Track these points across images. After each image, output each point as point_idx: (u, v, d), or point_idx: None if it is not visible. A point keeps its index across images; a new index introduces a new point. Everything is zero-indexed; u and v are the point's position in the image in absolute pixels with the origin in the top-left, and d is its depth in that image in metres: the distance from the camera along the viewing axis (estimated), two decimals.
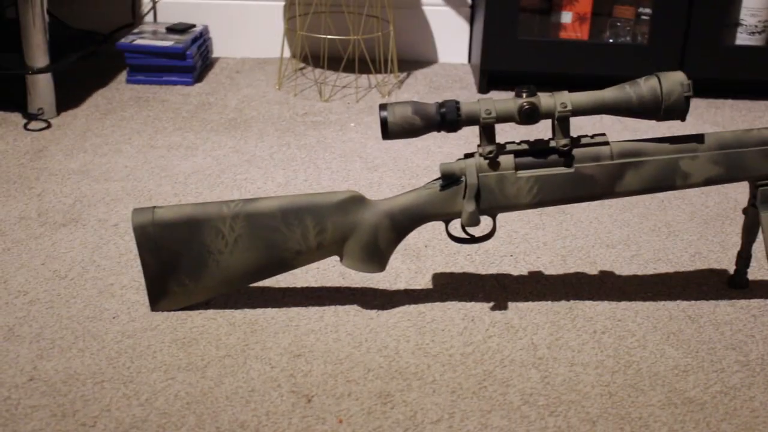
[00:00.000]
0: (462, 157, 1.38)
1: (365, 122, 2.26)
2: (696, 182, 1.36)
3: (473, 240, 1.41)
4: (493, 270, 1.57)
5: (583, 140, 1.36)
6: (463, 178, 1.36)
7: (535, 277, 1.55)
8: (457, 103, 1.34)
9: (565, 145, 1.34)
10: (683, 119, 1.32)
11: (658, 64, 2.41)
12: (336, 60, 2.58)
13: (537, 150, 1.36)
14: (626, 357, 1.34)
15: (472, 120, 1.34)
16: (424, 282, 1.53)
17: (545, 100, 1.32)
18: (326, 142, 2.12)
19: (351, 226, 1.38)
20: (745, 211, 1.45)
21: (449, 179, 1.37)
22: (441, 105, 1.34)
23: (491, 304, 1.46)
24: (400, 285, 1.52)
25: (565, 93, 1.33)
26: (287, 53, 2.65)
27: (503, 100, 1.33)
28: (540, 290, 1.51)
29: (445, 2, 2.69)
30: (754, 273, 1.54)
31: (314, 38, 2.54)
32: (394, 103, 1.34)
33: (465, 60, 2.73)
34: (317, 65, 2.62)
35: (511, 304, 1.46)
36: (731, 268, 1.55)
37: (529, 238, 1.68)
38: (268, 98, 2.40)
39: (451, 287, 1.51)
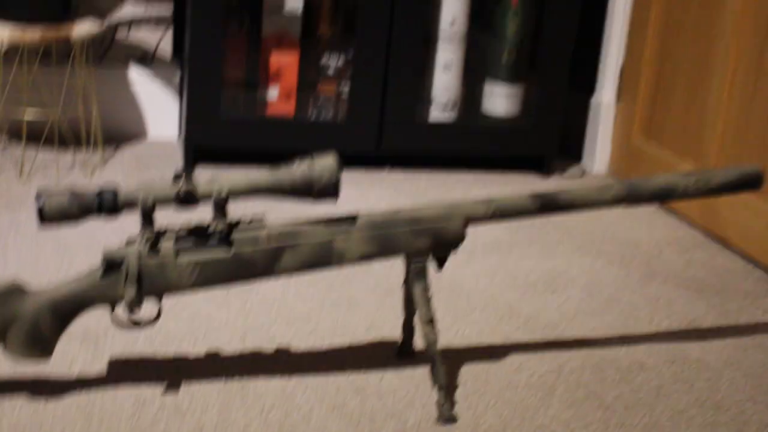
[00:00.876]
0: (126, 242, 1.40)
1: None
2: (351, 259, 1.43)
3: (137, 325, 1.42)
4: (171, 352, 1.58)
5: (242, 224, 1.40)
6: (123, 265, 1.37)
7: (212, 357, 1.57)
8: (115, 188, 1.35)
9: (222, 231, 1.38)
10: (335, 200, 1.39)
11: (356, 141, 2.53)
12: (39, 136, 2.52)
13: (197, 235, 1.39)
14: None
15: (130, 205, 1.35)
16: (100, 368, 1.52)
17: (203, 185, 1.36)
18: (19, 225, 2.07)
19: (10, 317, 1.36)
20: (403, 284, 1.53)
21: (111, 265, 1.38)
22: (99, 192, 1.35)
23: (164, 387, 1.47)
24: (75, 371, 1.50)
25: (223, 177, 1.37)
26: None
27: (161, 184, 1.36)
28: (215, 370, 1.53)
29: (154, 77, 2.70)
30: (420, 342, 1.62)
31: (13, 113, 2.47)
32: (51, 190, 1.34)
33: (175, 136, 2.74)
34: (18, 142, 2.55)
35: (184, 386, 1.47)
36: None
37: (212, 318, 1.71)
38: None
39: (126, 372, 1.51)
